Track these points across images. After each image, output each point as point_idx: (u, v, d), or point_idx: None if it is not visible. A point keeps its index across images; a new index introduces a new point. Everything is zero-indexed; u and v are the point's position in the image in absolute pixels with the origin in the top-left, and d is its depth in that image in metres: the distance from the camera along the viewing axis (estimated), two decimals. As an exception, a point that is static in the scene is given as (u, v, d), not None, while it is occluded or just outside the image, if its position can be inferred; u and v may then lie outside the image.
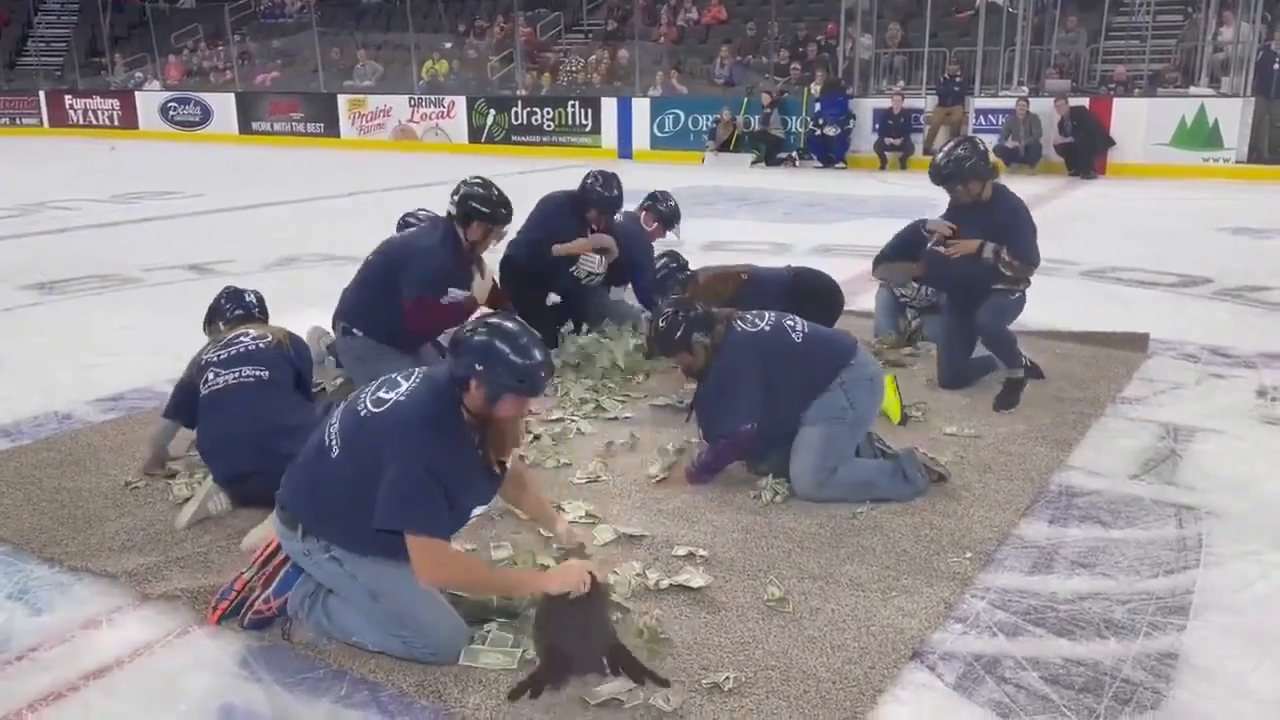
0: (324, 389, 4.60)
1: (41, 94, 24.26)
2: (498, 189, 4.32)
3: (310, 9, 22.19)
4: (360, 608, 2.67)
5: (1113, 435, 4.29)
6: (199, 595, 2.92)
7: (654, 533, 3.36)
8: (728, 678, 2.53)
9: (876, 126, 15.10)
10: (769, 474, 3.73)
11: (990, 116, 14.46)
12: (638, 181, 12.18)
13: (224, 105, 21.42)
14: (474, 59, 20.29)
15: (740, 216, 10.69)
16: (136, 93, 22.89)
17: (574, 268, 5.32)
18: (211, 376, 3.58)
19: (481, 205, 4.22)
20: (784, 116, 15.58)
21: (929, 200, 4.74)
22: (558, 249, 5.23)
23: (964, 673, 2.61)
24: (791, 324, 3.76)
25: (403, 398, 2.63)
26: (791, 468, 3.62)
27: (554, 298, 5.54)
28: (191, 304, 4.66)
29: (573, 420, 4.39)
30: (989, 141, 13.98)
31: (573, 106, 17.75)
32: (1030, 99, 13.96)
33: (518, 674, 2.55)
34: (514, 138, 18.22)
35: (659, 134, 16.96)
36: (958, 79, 14.89)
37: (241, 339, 3.70)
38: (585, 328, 5.39)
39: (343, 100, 19.98)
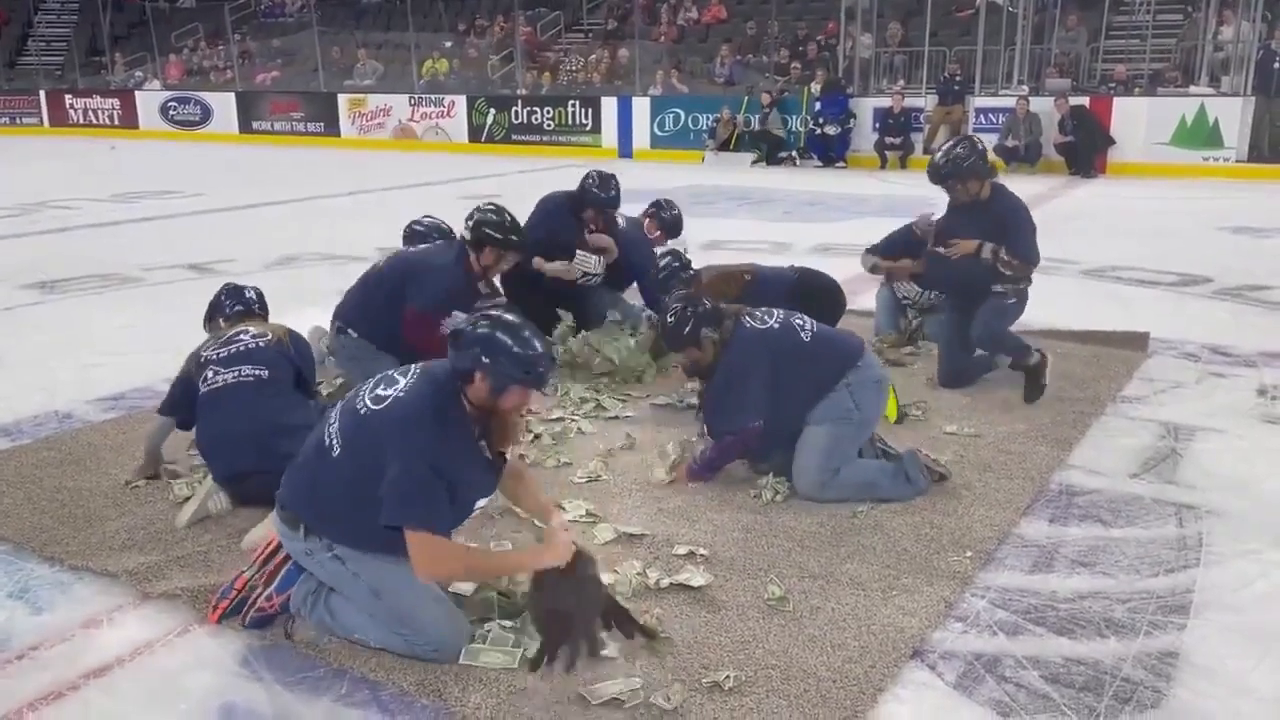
0: (322, 388, 4.60)
1: (42, 93, 24.26)
2: (511, 216, 4.39)
3: (310, 8, 22.19)
4: (362, 606, 2.67)
5: (1113, 434, 4.30)
6: (199, 594, 2.92)
7: (654, 532, 3.36)
8: (728, 676, 2.53)
9: (877, 126, 15.10)
10: (770, 473, 3.73)
11: (990, 115, 14.46)
12: (638, 181, 12.18)
13: (224, 105, 21.42)
14: (474, 58, 20.29)
15: (740, 216, 10.69)
16: (137, 92, 22.89)
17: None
18: (211, 375, 3.57)
19: (495, 231, 4.30)
20: (784, 116, 15.58)
21: (929, 199, 4.74)
22: (537, 264, 5.22)
23: (964, 672, 2.61)
24: (800, 323, 3.75)
25: (402, 394, 2.64)
26: (794, 467, 3.62)
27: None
28: (192, 303, 4.66)
29: (573, 420, 4.39)
30: (989, 141, 14.04)
31: (573, 106, 17.75)
32: (1030, 98, 13.96)
33: (518, 673, 2.55)
34: (514, 137, 18.22)
35: (659, 133, 16.96)
36: (958, 78, 14.89)
37: (241, 337, 3.68)
38: (577, 328, 5.40)
39: (343, 99, 19.98)
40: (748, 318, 3.73)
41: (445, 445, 2.57)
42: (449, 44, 20.84)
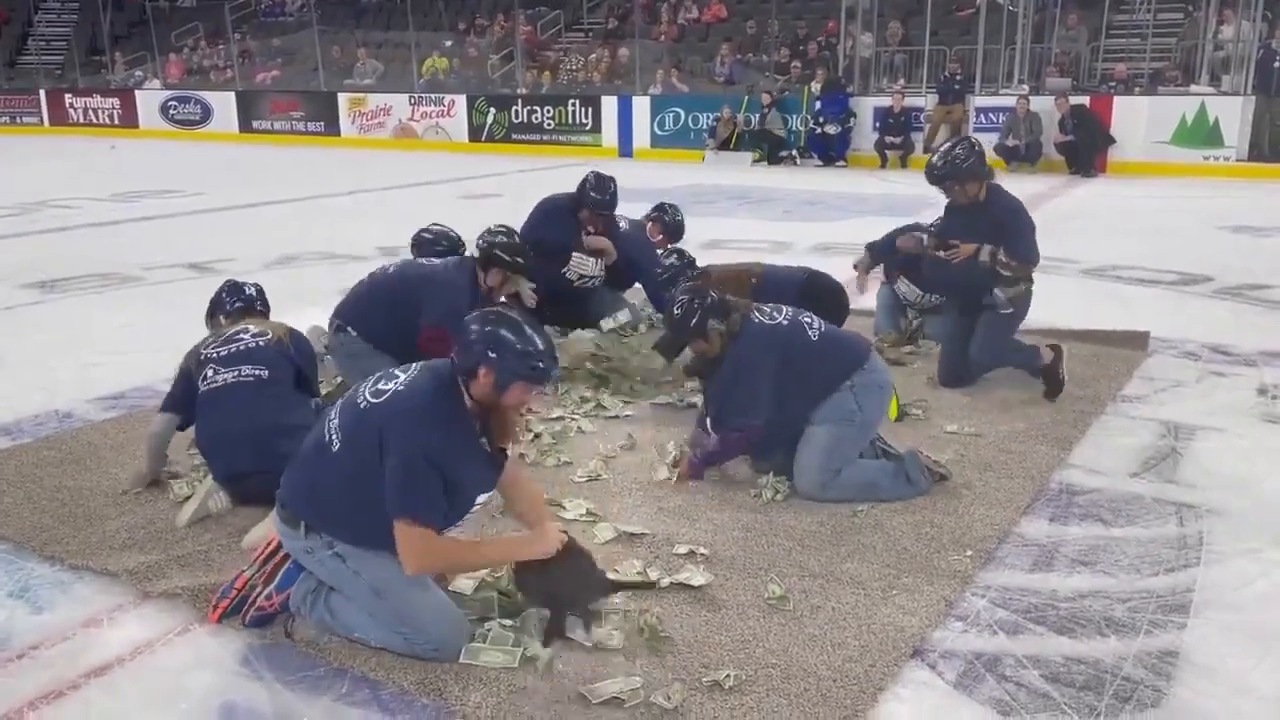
0: (321, 388, 4.60)
1: (42, 93, 24.25)
2: (522, 241, 4.44)
3: (310, 7, 22.17)
4: (363, 604, 2.67)
5: (1113, 433, 4.29)
6: (200, 593, 2.92)
7: (655, 531, 3.36)
8: (728, 675, 2.53)
9: (877, 125, 15.09)
10: (770, 472, 3.72)
11: (991, 115, 14.46)
12: (638, 180, 12.18)
13: (224, 104, 21.41)
14: (474, 57, 20.28)
15: (741, 215, 10.69)
16: (137, 91, 22.87)
17: (566, 269, 5.33)
18: (211, 373, 3.56)
19: (503, 253, 4.36)
20: (784, 115, 15.57)
21: (929, 199, 4.74)
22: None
23: (964, 671, 2.61)
24: (809, 321, 3.73)
25: (402, 387, 2.65)
26: (796, 467, 3.61)
27: None
28: (192, 302, 4.66)
29: (573, 419, 4.39)
30: (990, 140, 14.07)
31: (573, 105, 17.74)
32: (1031, 97, 13.96)
33: (518, 672, 2.55)
34: (514, 136, 18.21)
35: (659, 132, 16.95)
36: (958, 77, 14.88)
37: (242, 336, 3.67)
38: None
39: (343, 99, 19.97)
40: (756, 312, 3.71)
41: (443, 439, 2.57)
42: (449, 43, 20.83)
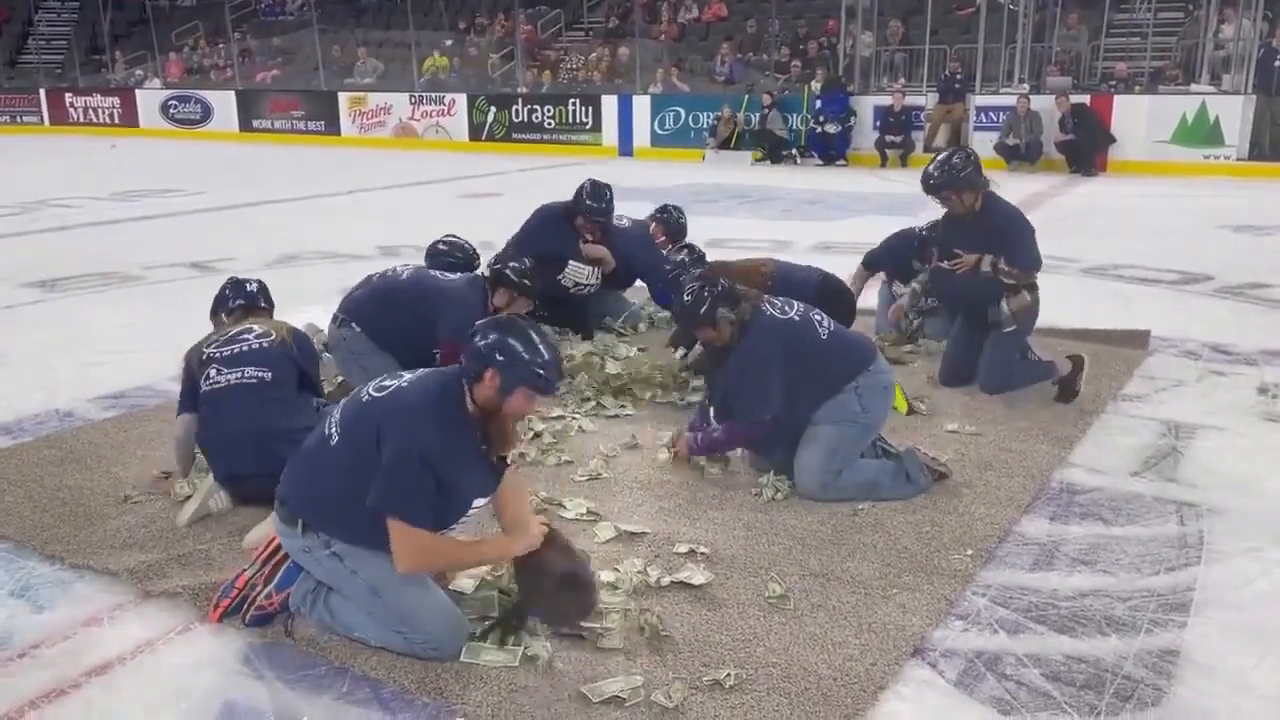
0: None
1: (42, 92, 24.25)
2: (531, 266, 4.51)
3: (311, 6, 22.17)
4: (361, 604, 2.67)
5: (1114, 432, 4.29)
6: (200, 592, 2.93)
7: (655, 530, 3.36)
8: (729, 675, 2.53)
9: (877, 124, 15.08)
10: (770, 471, 3.72)
11: (991, 114, 14.45)
12: (639, 179, 12.18)
13: (224, 103, 21.41)
14: (475, 56, 20.27)
15: (741, 214, 10.69)
16: (137, 90, 22.87)
17: (562, 276, 5.34)
18: (214, 373, 3.54)
19: (512, 275, 4.41)
20: (784, 114, 15.57)
21: (929, 198, 4.73)
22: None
23: (965, 670, 2.61)
24: (819, 319, 3.71)
25: (405, 385, 2.67)
26: (797, 466, 3.60)
27: None
28: (192, 301, 4.67)
29: (574, 418, 4.39)
30: (990, 138, 14.08)
31: (573, 104, 17.73)
32: (1031, 96, 13.95)
33: (518, 671, 2.56)
34: (515, 135, 18.20)
35: (660, 131, 16.94)
36: (959, 76, 14.88)
37: (245, 336, 3.64)
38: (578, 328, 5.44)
39: (343, 98, 19.97)
40: (767, 305, 3.67)
41: (441, 441, 2.57)
42: (449, 42, 20.82)
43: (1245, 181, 12.63)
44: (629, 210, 6.22)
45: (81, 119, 23.44)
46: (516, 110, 18.23)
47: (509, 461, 2.78)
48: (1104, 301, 6.57)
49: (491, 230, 7.24)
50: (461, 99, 18.73)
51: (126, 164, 16.68)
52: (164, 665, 2.66)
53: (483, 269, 4.70)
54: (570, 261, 5.41)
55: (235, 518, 3.42)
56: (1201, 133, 13.31)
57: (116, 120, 22.84)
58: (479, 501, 2.74)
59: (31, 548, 3.26)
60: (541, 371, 2.61)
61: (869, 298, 5.87)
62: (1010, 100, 14.11)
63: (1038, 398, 4.63)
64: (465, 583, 2.89)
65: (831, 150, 15.22)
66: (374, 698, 2.51)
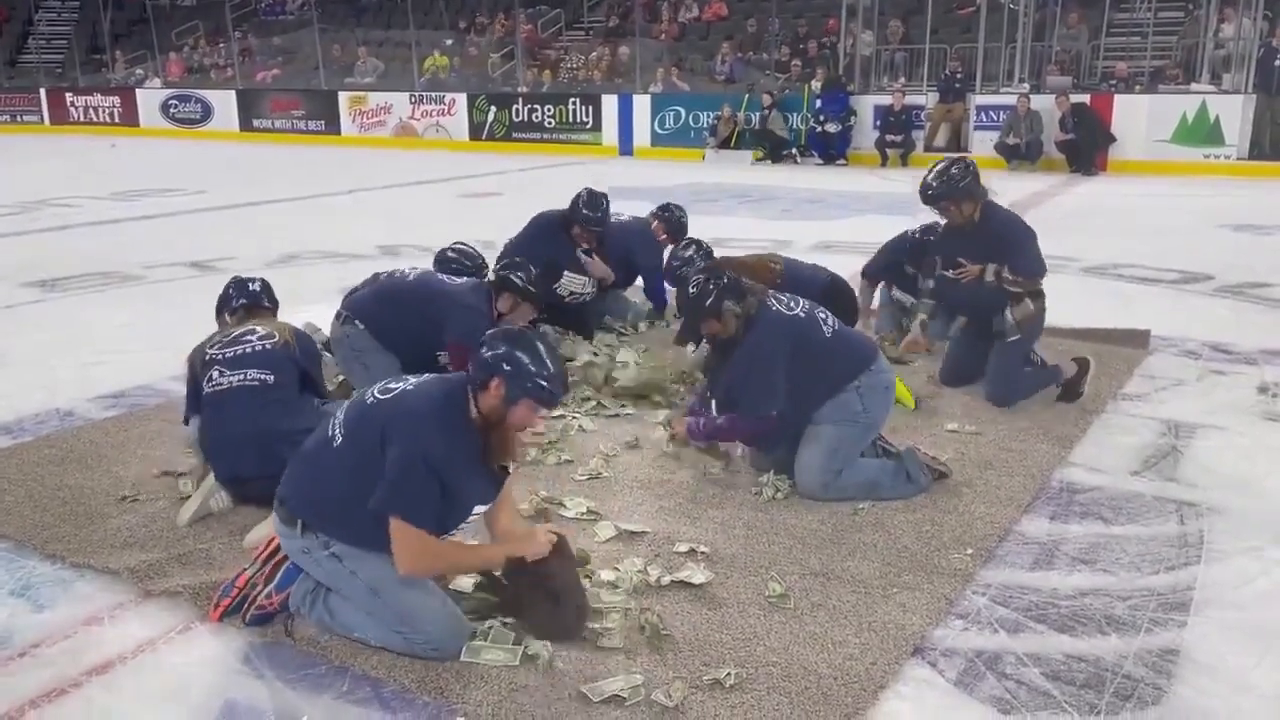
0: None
1: (42, 91, 24.24)
2: (537, 273, 4.50)
3: (311, 6, 22.17)
4: (361, 604, 2.67)
5: (1114, 432, 4.30)
6: (201, 592, 2.93)
7: (655, 529, 3.36)
8: (729, 674, 2.53)
9: (878, 123, 15.08)
10: (770, 470, 3.72)
11: (991, 113, 14.45)
12: (639, 179, 12.17)
13: (225, 102, 21.41)
14: (475, 56, 20.27)
15: (741, 213, 10.68)
16: (137, 90, 22.86)
17: (558, 285, 5.34)
18: (216, 375, 3.54)
19: (517, 280, 4.40)
20: (784, 114, 15.57)
21: (929, 199, 4.73)
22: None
23: (965, 669, 2.62)
24: (824, 317, 3.70)
25: (410, 388, 2.68)
26: (797, 466, 3.60)
27: None
28: (193, 301, 4.67)
29: (574, 417, 4.39)
30: (990, 138, 14.08)
31: (574, 103, 17.73)
32: (1031, 95, 13.95)
33: (519, 670, 2.56)
34: (515, 135, 18.20)
35: (660, 131, 16.94)
36: (959, 75, 14.88)
37: (248, 338, 3.63)
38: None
39: (343, 97, 19.96)
40: (774, 300, 3.66)
41: (445, 445, 2.58)
42: (449, 41, 20.82)
43: (1245, 181, 12.63)
44: (629, 210, 6.22)
45: (82, 118, 23.44)
46: (517, 110, 18.23)
47: (509, 471, 2.79)
48: (1104, 301, 6.57)
49: (492, 230, 7.24)
50: (462, 98, 18.73)
51: (127, 163, 16.68)
52: (164, 664, 2.66)
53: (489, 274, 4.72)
54: (566, 272, 5.42)
55: (236, 517, 3.42)
56: (1202, 132, 13.31)
57: (117, 120, 22.84)
58: (480, 508, 2.75)
59: (32, 547, 3.26)
60: (546, 385, 2.62)
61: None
62: (1010, 100, 14.11)
63: (1039, 397, 4.63)
64: (465, 582, 2.89)
65: (832, 150, 15.22)
66: (374, 697, 2.51)
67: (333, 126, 20.04)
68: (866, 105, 15.34)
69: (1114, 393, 4.74)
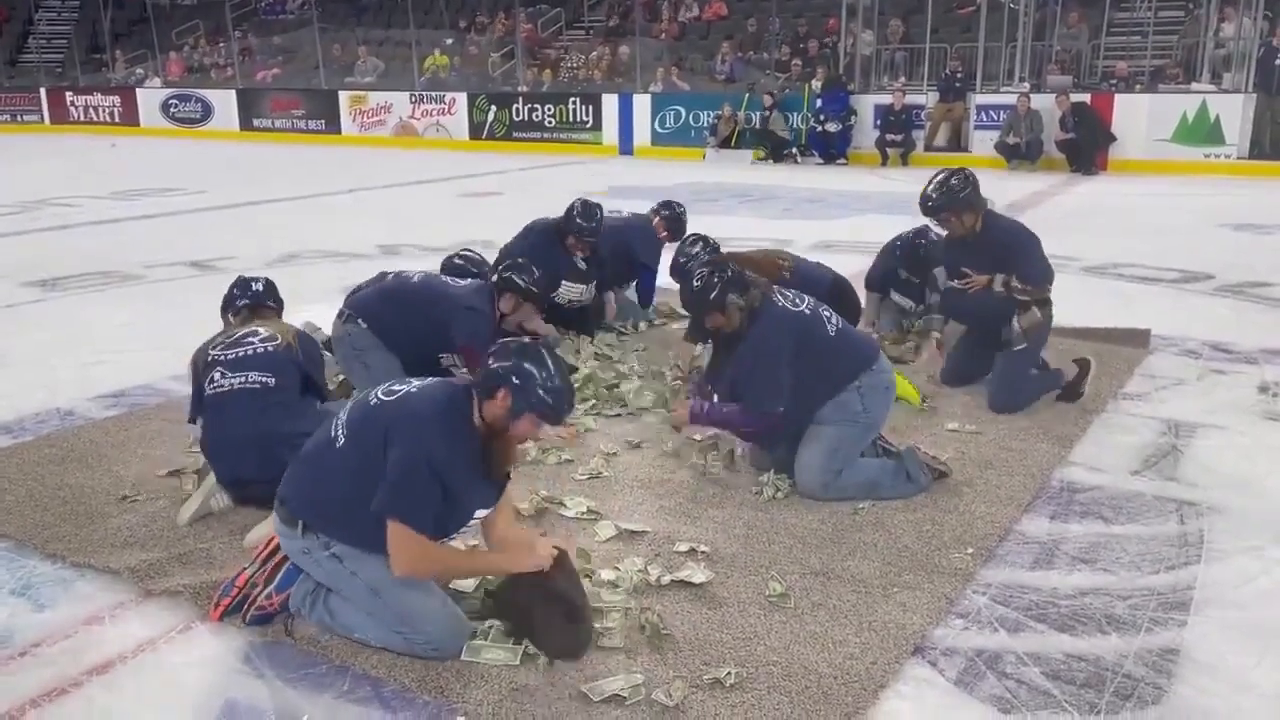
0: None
1: (42, 91, 24.26)
2: (540, 274, 4.51)
3: (311, 5, 22.16)
4: (361, 605, 2.67)
5: (1114, 431, 4.30)
6: (201, 591, 2.93)
7: (655, 529, 3.36)
8: (729, 673, 2.53)
9: (878, 123, 15.08)
10: (770, 470, 3.72)
11: (991, 112, 14.45)
12: (639, 178, 12.17)
13: (225, 102, 21.42)
14: (475, 55, 20.27)
15: (742, 213, 10.68)
16: (137, 89, 22.88)
17: (556, 294, 5.35)
18: (218, 376, 3.52)
19: (520, 281, 4.41)
20: (785, 113, 15.56)
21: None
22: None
23: (965, 668, 2.62)
24: (827, 315, 3.69)
25: (415, 390, 2.68)
26: (798, 465, 3.60)
27: None
28: (193, 300, 4.68)
29: (574, 419, 4.38)
30: (990, 137, 14.07)
31: (574, 103, 17.73)
32: (1031, 95, 13.94)
33: (519, 670, 2.56)
34: (515, 134, 18.21)
35: (660, 130, 16.94)
36: (959, 75, 14.87)
37: (250, 339, 3.62)
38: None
39: (344, 97, 19.97)
40: (778, 295, 3.65)
41: (447, 449, 2.58)
42: (450, 41, 20.82)
43: (1246, 180, 12.63)
44: (629, 210, 6.23)
45: (82, 118, 23.46)
46: (517, 109, 18.23)
47: (510, 476, 2.79)
48: (1104, 300, 6.57)
49: (492, 229, 7.25)
50: (462, 98, 18.73)
51: (127, 163, 16.68)
52: (165, 664, 2.66)
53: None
54: (564, 281, 5.43)
55: (236, 516, 3.42)
56: (1202, 131, 13.31)
57: (117, 119, 22.85)
58: (480, 512, 2.75)
59: (33, 546, 3.27)
60: (552, 401, 2.62)
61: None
62: (1011, 99, 14.11)
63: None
64: (466, 582, 2.89)
65: (832, 149, 15.22)
66: (375, 696, 2.51)
67: (333, 126, 20.05)
68: (867, 105, 15.34)
69: (1114, 392, 4.74)
